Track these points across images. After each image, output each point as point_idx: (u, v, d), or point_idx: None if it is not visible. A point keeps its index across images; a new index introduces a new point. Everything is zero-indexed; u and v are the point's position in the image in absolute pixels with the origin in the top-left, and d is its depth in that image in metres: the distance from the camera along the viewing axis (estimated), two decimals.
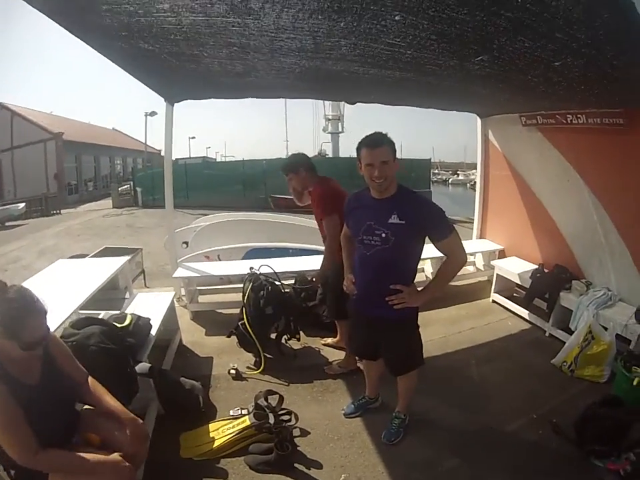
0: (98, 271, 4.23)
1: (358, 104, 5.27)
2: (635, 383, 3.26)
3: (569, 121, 4.72)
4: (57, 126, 27.70)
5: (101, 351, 2.60)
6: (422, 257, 2.68)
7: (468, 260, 4.17)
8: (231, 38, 2.53)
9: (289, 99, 5.24)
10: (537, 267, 5.11)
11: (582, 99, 3.88)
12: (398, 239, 2.46)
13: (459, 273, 2.78)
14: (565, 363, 3.97)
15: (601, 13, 1.88)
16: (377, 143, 2.43)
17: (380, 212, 2.51)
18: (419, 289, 2.68)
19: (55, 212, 21.26)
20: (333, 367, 3.91)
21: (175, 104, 4.75)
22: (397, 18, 1.98)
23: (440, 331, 4.65)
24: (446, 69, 3.00)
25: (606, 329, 3.94)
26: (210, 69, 3.32)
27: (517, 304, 5.19)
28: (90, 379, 2.18)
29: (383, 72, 3.24)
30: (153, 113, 30.39)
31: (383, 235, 2.48)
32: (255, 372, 3.78)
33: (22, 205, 20.52)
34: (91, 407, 2.19)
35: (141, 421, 2.23)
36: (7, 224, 17.76)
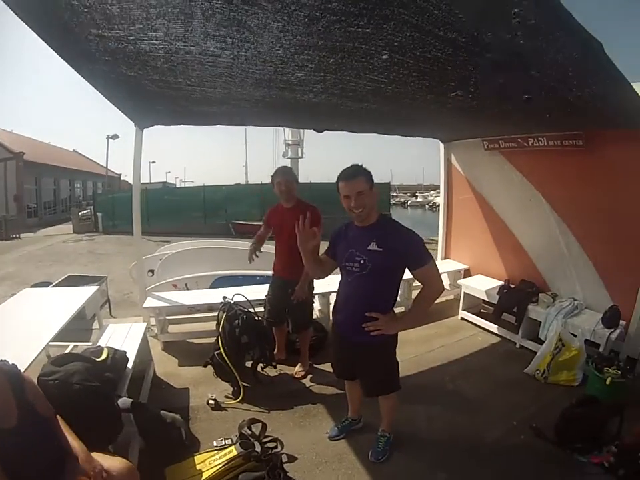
0: (65, 301, 4.09)
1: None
2: (607, 382, 3.54)
3: (530, 144, 5.02)
4: (18, 145, 26.10)
5: (86, 389, 2.49)
6: None
7: None
8: (219, 68, 2.58)
9: (259, 126, 5.28)
10: (503, 283, 5.33)
11: (544, 123, 4.15)
12: (375, 266, 2.53)
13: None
14: (538, 371, 4.15)
15: (572, 53, 2.04)
16: (353, 175, 2.52)
17: (361, 239, 2.59)
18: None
19: (14, 236, 20.09)
20: (299, 372, 4.19)
21: (145, 129, 4.69)
22: (384, 57, 2.09)
23: (411, 351, 4.70)
24: (422, 102, 3.14)
25: (575, 335, 4.17)
26: (190, 96, 3.35)
27: (486, 319, 5.36)
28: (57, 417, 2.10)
29: (360, 105, 3.37)
30: (115, 136, 29.80)
31: (362, 262, 2.55)
32: (234, 401, 3.73)
33: None
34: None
35: (131, 464, 2.14)
36: None
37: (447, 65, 2.30)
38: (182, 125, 4.93)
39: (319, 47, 2.08)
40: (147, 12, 1.89)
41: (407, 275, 2.61)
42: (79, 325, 4.74)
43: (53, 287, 5.72)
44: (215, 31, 2.01)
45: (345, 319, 2.78)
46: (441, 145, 6.58)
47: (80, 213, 23.57)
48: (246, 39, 2.06)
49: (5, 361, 2.02)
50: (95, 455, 2.03)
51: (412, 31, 1.89)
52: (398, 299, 5.53)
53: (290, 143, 27.39)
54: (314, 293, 4.27)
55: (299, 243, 2.62)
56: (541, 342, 4.40)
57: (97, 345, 3.43)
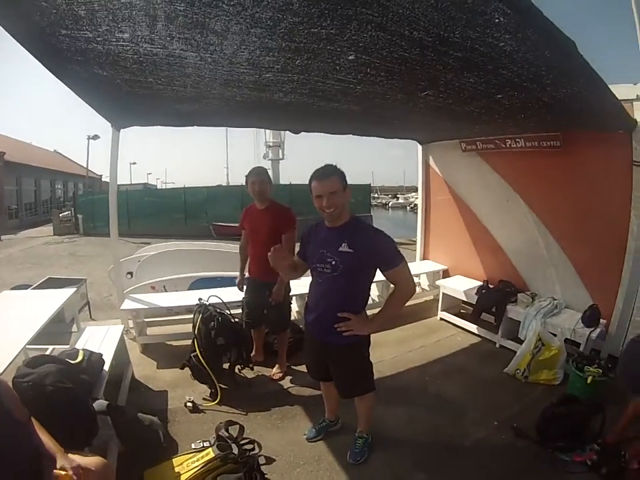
0: (43, 304, 4.03)
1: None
2: (588, 381, 3.57)
3: (508, 145, 5.07)
4: None
5: (59, 391, 2.47)
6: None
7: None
8: (187, 69, 2.57)
9: (235, 127, 5.26)
10: (481, 283, 5.38)
11: (521, 124, 4.17)
12: (346, 267, 2.52)
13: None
14: (518, 371, 4.18)
15: (543, 52, 2.06)
16: (326, 175, 2.50)
17: (331, 240, 2.57)
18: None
19: None
20: (276, 374, 4.19)
21: (121, 129, 4.64)
22: (350, 57, 2.09)
23: (390, 352, 4.71)
24: (393, 102, 3.14)
25: (555, 335, 4.22)
26: (162, 95, 3.32)
27: (465, 320, 5.39)
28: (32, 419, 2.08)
29: (330, 104, 3.36)
30: (96, 137, 29.39)
31: (333, 263, 2.54)
32: (212, 403, 3.72)
33: None
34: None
35: (106, 461, 2.15)
36: None
37: (415, 65, 2.30)
38: (159, 126, 4.85)
39: (284, 49, 2.08)
40: (112, 14, 1.88)
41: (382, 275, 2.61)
42: (59, 328, 4.71)
43: (33, 289, 5.64)
44: (180, 34, 2.00)
45: (317, 320, 2.75)
46: (419, 147, 6.62)
47: (60, 215, 23.30)
48: (210, 41, 2.06)
49: None
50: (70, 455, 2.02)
51: (377, 30, 1.89)
52: (376, 299, 5.60)
53: (271, 144, 27.19)
54: (292, 294, 4.28)
55: (273, 265, 2.64)
56: (521, 341, 4.42)
57: (74, 347, 3.40)
